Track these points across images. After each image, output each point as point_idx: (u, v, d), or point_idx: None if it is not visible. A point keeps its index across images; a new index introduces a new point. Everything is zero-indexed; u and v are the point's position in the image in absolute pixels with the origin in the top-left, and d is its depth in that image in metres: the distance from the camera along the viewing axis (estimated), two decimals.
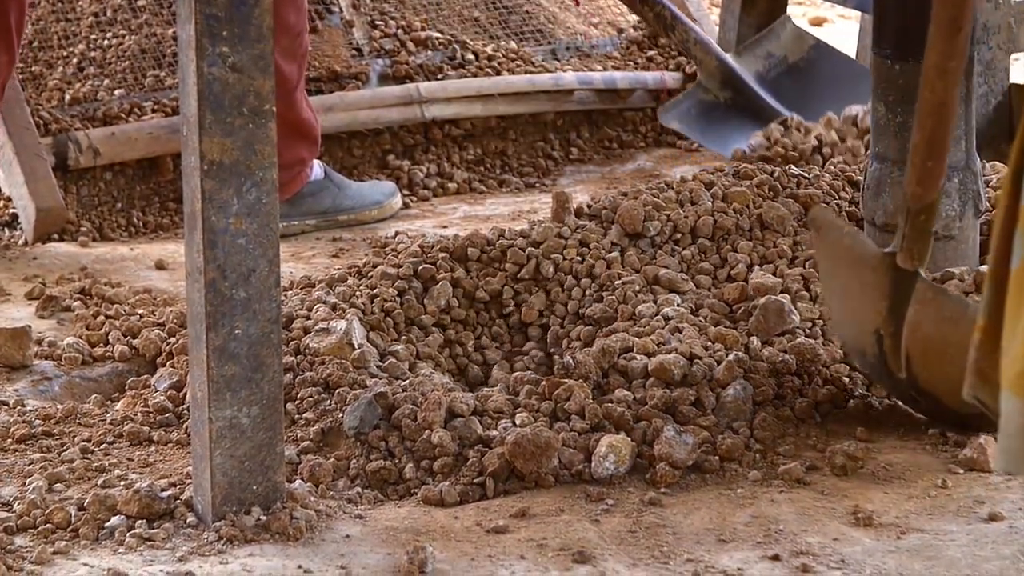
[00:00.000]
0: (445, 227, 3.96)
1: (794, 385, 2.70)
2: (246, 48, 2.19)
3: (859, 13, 4.95)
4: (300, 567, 2.21)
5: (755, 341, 2.76)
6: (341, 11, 4.55)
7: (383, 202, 4.07)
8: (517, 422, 2.56)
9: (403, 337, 2.92)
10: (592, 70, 4.67)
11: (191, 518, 2.32)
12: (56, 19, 4.31)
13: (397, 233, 3.85)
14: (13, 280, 3.52)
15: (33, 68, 4.22)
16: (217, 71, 2.19)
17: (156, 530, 2.30)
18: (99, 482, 2.46)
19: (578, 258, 3.00)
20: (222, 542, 2.26)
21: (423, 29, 4.60)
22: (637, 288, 2.92)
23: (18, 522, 2.34)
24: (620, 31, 4.92)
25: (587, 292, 2.96)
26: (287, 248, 3.75)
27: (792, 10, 4.83)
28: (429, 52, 4.54)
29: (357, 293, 2.97)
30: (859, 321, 2.59)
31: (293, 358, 2.76)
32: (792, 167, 3.31)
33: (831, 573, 2.20)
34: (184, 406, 2.75)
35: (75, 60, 4.23)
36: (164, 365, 2.94)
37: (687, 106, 4.53)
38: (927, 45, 2.30)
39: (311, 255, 3.80)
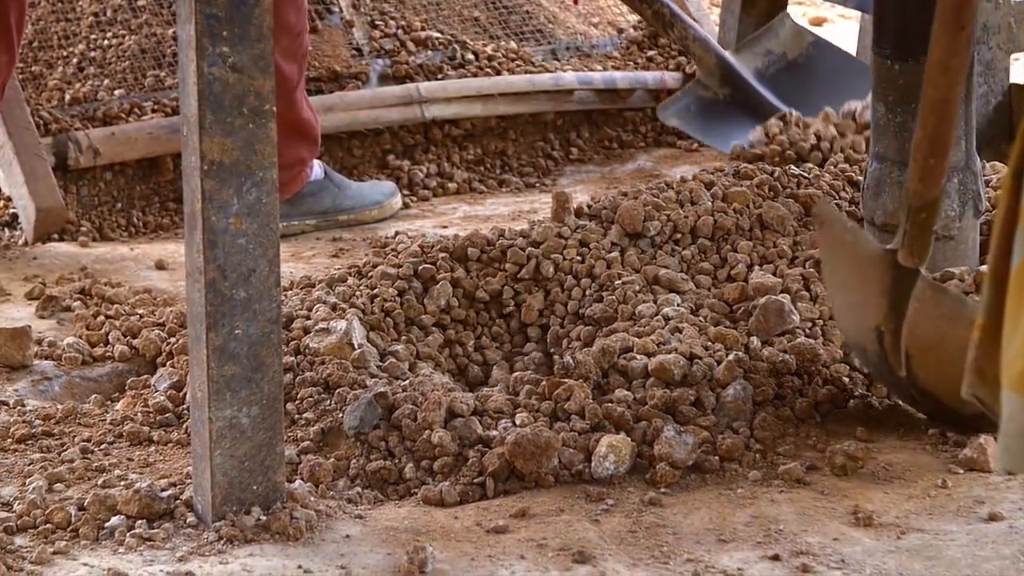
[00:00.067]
0: (445, 227, 3.96)
1: (794, 385, 2.70)
2: (246, 48, 2.19)
3: (859, 13, 4.96)
4: (300, 567, 2.21)
5: (755, 341, 2.76)
6: (341, 11, 4.55)
7: (383, 202, 4.08)
8: (517, 422, 2.56)
9: (403, 337, 2.92)
10: (592, 70, 4.67)
11: (191, 518, 2.32)
12: (56, 19, 4.31)
13: (397, 233, 3.85)
14: (13, 280, 3.52)
15: (33, 68, 4.22)
16: (217, 71, 2.19)
17: (156, 530, 2.30)
18: (99, 482, 2.46)
19: (578, 258, 3.00)
20: (222, 542, 2.26)
21: (423, 29, 4.60)
22: (637, 288, 2.92)
23: (18, 522, 2.34)
24: (620, 31, 4.92)
25: (587, 292, 2.96)
26: (287, 248, 3.75)
27: (792, 10, 4.83)
28: (429, 52, 4.54)
29: (357, 293, 2.97)
30: (860, 317, 2.59)
31: (293, 358, 2.76)
32: (792, 167, 3.31)
33: (831, 573, 2.20)
34: (184, 406, 2.75)
35: (75, 60, 4.23)
36: (164, 365, 2.94)
37: (686, 103, 4.53)
38: (930, 42, 2.30)
39: (311, 255, 3.80)
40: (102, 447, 2.65)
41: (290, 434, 2.60)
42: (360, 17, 4.56)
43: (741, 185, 3.15)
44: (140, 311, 3.23)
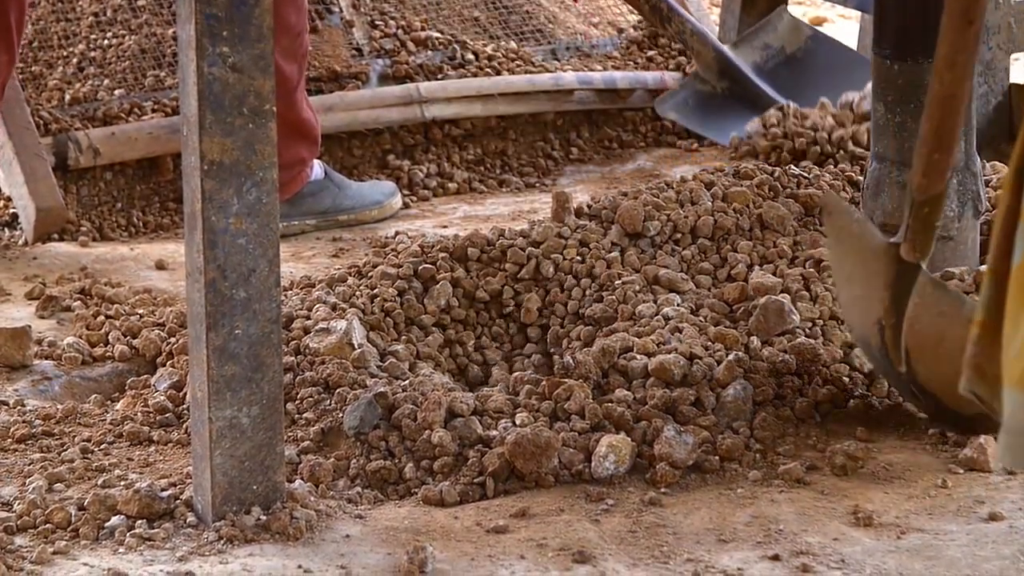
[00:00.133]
0: (445, 227, 3.96)
1: (794, 385, 2.70)
2: (246, 48, 2.19)
3: (859, 13, 4.96)
4: (300, 567, 2.21)
5: (755, 341, 2.76)
6: (341, 11, 4.55)
7: (383, 202, 4.08)
8: (517, 422, 2.56)
9: (403, 337, 2.92)
10: (592, 70, 4.67)
11: (191, 518, 2.32)
12: (56, 19, 4.31)
13: (397, 233, 3.85)
14: (13, 280, 3.52)
15: (33, 68, 4.22)
16: (217, 71, 2.19)
17: (156, 530, 2.30)
18: (99, 482, 2.46)
19: (578, 258, 3.00)
20: (222, 542, 2.26)
21: (423, 29, 4.60)
22: (637, 288, 2.92)
23: (18, 522, 2.34)
24: (620, 31, 4.93)
25: (587, 292, 2.96)
26: (287, 248, 3.75)
27: (792, 10, 4.83)
28: (429, 52, 4.54)
29: (357, 293, 2.97)
30: (864, 310, 2.58)
31: (293, 358, 2.76)
32: (792, 167, 3.31)
33: (831, 573, 2.20)
34: (184, 406, 2.75)
35: (75, 60, 4.23)
36: (164, 365, 2.94)
37: (684, 96, 4.53)
38: (939, 37, 2.29)
39: (311, 255, 3.80)
40: (102, 447, 2.65)
41: (290, 434, 2.60)
42: (360, 17, 4.56)
43: (741, 185, 3.15)
44: (140, 311, 3.23)
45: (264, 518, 2.30)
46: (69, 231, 3.88)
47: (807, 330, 2.81)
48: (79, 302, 3.30)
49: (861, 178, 3.18)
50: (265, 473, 2.32)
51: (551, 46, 4.77)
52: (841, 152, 4.08)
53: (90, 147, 3.96)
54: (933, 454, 2.56)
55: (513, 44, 4.69)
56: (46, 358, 3.02)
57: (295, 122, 3.78)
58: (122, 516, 2.33)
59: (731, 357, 2.68)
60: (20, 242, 3.80)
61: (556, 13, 4.89)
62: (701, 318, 2.85)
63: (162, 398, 2.78)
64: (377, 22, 4.58)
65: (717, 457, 2.52)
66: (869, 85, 4.03)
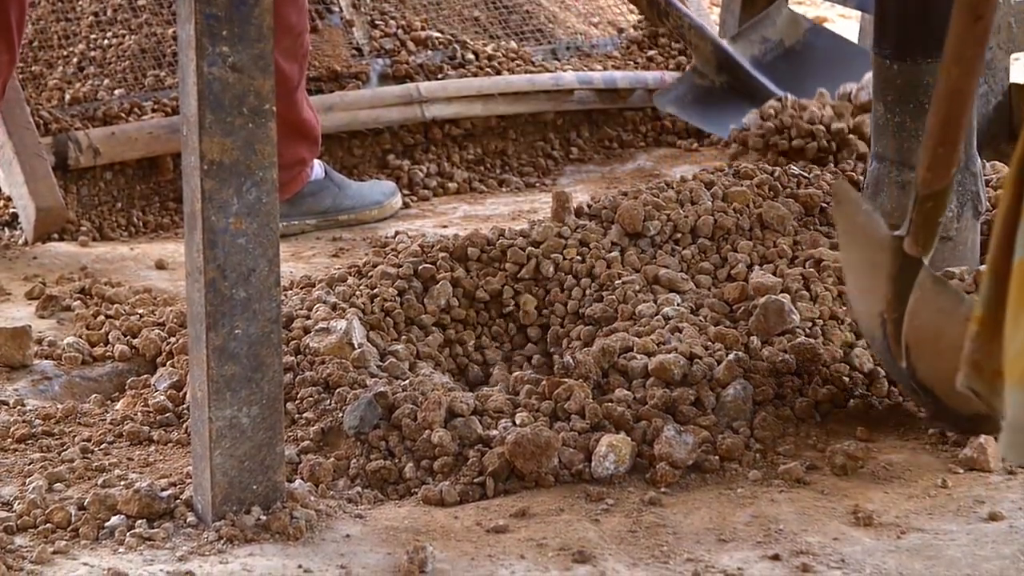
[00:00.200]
0: (445, 227, 3.96)
1: (794, 385, 2.70)
2: (246, 48, 2.19)
3: (859, 13, 4.96)
4: (300, 567, 2.21)
5: (755, 341, 2.76)
6: (341, 11, 4.55)
7: (383, 202, 4.08)
8: (517, 422, 2.56)
9: (403, 337, 2.92)
10: (592, 70, 4.67)
11: (191, 518, 2.32)
12: (56, 19, 4.31)
13: (397, 233, 3.85)
14: (13, 280, 3.52)
15: (33, 68, 4.22)
16: (217, 71, 2.19)
17: (156, 530, 2.30)
18: (99, 482, 2.46)
19: (578, 258, 3.00)
20: (222, 542, 2.26)
21: (423, 29, 4.60)
22: (637, 288, 2.92)
23: (18, 522, 2.34)
24: (620, 31, 4.93)
25: (587, 292, 2.96)
26: (287, 248, 3.75)
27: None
28: (429, 52, 4.54)
29: (357, 293, 2.97)
30: (869, 302, 2.58)
31: (293, 358, 2.76)
32: (792, 167, 3.31)
33: (831, 573, 2.20)
34: (184, 406, 2.75)
35: (75, 60, 4.23)
36: (164, 365, 2.94)
37: (683, 91, 4.53)
38: (948, 32, 2.29)
39: (311, 255, 3.80)
40: (102, 447, 2.65)
41: (290, 434, 2.60)
42: (360, 17, 4.56)
43: (741, 185, 3.15)
44: (140, 311, 3.23)
45: (264, 518, 2.30)
46: (69, 231, 3.88)
47: (807, 330, 2.81)
48: (79, 302, 3.30)
49: (861, 178, 3.18)
50: (265, 473, 2.32)
51: (551, 46, 4.77)
52: (842, 151, 4.07)
53: (90, 147, 3.96)
54: (933, 454, 2.56)
55: (513, 44, 4.69)
56: (46, 358, 3.02)
57: (295, 122, 3.78)
58: (122, 516, 2.33)
59: (731, 357, 2.68)
60: (20, 242, 3.81)
61: (556, 13, 4.89)
62: (701, 318, 2.85)
63: (162, 398, 2.78)
64: (377, 22, 4.58)
65: (717, 457, 2.52)
66: (867, 76, 4.03)
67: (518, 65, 4.59)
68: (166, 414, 2.74)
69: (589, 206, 3.13)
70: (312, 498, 2.39)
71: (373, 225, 4.02)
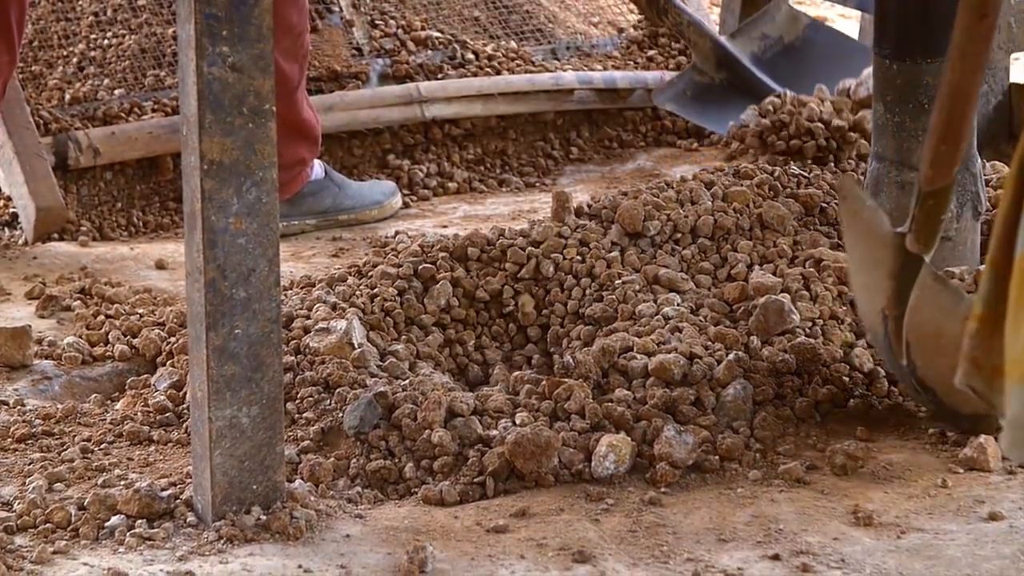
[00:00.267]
0: (445, 227, 3.96)
1: (794, 385, 2.70)
2: (246, 48, 2.19)
3: (859, 13, 4.96)
4: (300, 567, 2.21)
5: (755, 341, 2.76)
6: (341, 11, 4.55)
7: (383, 202, 4.08)
8: (517, 422, 2.56)
9: (403, 337, 2.92)
10: (592, 70, 4.67)
11: (191, 518, 2.32)
12: (56, 19, 4.31)
13: (397, 233, 3.85)
14: (13, 280, 3.52)
15: (33, 68, 4.22)
16: (217, 71, 2.19)
17: (156, 530, 2.30)
18: (99, 482, 2.46)
19: (578, 258, 3.00)
20: (222, 542, 2.26)
21: (423, 29, 4.60)
22: (637, 288, 2.92)
23: (18, 522, 2.34)
24: (620, 31, 4.93)
25: (587, 292, 2.96)
26: (287, 248, 3.75)
27: None
28: (429, 52, 4.54)
29: (357, 293, 2.97)
30: (871, 298, 2.58)
31: (293, 358, 2.76)
32: (792, 166, 3.31)
33: (831, 573, 2.20)
34: (184, 406, 2.75)
35: (75, 60, 4.23)
36: (164, 365, 2.94)
37: (682, 87, 4.53)
38: (953, 30, 2.30)
39: (311, 255, 3.80)
40: (102, 447, 2.65)
41: (290, 434, 2.60)
42: (360, 17, 4.56)
43: (741, 185, 3.15)
44: (140, 311, 3.23)
45: (264, 518, 2.30)
46: (69, 231, 3.88)
47: (807, 330, 2.81)
48: (79, 302, 3.30)
49: (861, 177, 3.18)
50: (265, 473, 2.32)
51: (551, 46, 4.77)
52: (842, 148, 4.07)
53: (90, 147, 3.96)
54: (933, 454, 2.56)
55: (513, 44, 4.69)
56: (46, 358, 3.02)
57: (295, 122, 3.79)
58: (122, 516, 2.33)
59: (731, 357, 2.68)
60: (20, 242, 3.81)
61: (556, 13, 4.89)
62: (701, 318, 2.85)
63: (162, 398, 2.78)
64: (377, 22, 4.58)
65: (717, 457, 2.52)
66: (866, 71, 4.02)
67: (518, 65, 4.59)
68: (166, 414, 2.74)
69: (589, 206, 3.13)
70: (312, 498, 2.39)
71: (373, 225, 4.02)
